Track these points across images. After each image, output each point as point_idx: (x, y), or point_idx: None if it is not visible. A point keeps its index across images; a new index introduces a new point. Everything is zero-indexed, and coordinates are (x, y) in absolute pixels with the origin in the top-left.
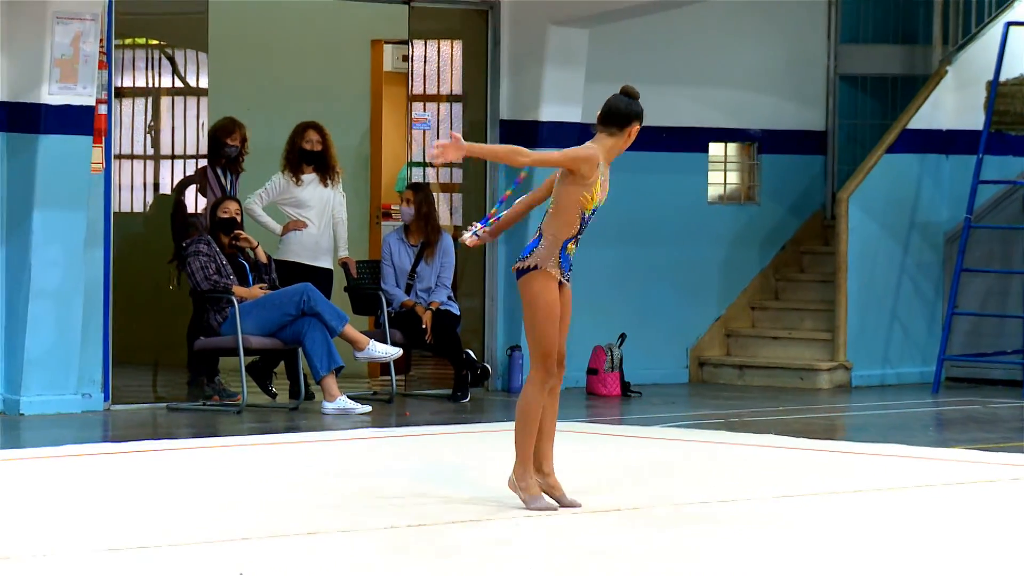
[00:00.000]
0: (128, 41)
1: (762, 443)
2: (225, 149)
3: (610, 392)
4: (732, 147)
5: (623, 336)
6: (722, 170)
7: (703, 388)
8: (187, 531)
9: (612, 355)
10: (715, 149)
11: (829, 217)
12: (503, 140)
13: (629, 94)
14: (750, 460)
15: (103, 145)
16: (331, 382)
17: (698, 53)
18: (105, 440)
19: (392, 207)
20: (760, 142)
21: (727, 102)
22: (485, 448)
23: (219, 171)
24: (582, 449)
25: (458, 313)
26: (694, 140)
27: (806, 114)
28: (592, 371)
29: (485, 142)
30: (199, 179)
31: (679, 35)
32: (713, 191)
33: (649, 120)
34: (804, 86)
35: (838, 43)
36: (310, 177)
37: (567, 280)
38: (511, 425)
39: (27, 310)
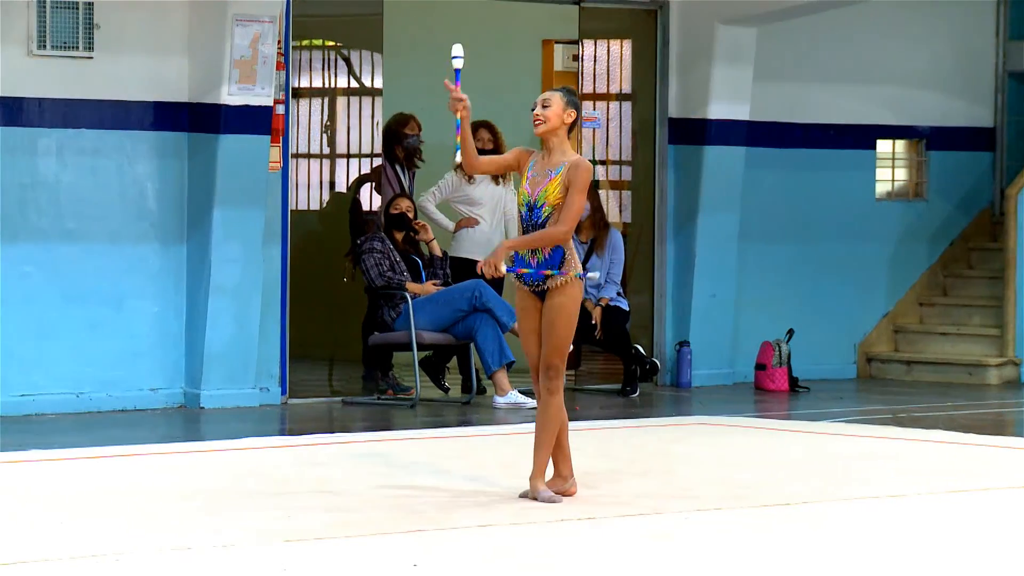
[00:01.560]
0: (305, 42)
1: (930, 438)
2: (406, 141)
3: (778, 387)
4: (900, 144)
5: (791, 332)
6: (890, 167)
7: (871, 384)
8: (362, 523)
9: (780, 351)
10: (883, 146)
11: (998, 214)
12: (671, 137)
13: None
14: (918, 456)
15: (280, 144)
16: (502, 377)
17: (866, 50)
18: (282, 433)
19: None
20: (928, 139)
21: (895, 99)
22: (653, 441)
23: (397, 168)
24: (751, 444)
25: (627, 309)
26: (862, 137)
27: (974, 111)
28: (760, 366)
29: (655, 140)
30: (375, 176)
31: (847, 33)
32: (881, 188)
33: (817, 117)
34: (972, 83)
35: (1007, 40)
36: (482, 176)
37: (532, 285)
38: (679, 420)
39: (207, 306)
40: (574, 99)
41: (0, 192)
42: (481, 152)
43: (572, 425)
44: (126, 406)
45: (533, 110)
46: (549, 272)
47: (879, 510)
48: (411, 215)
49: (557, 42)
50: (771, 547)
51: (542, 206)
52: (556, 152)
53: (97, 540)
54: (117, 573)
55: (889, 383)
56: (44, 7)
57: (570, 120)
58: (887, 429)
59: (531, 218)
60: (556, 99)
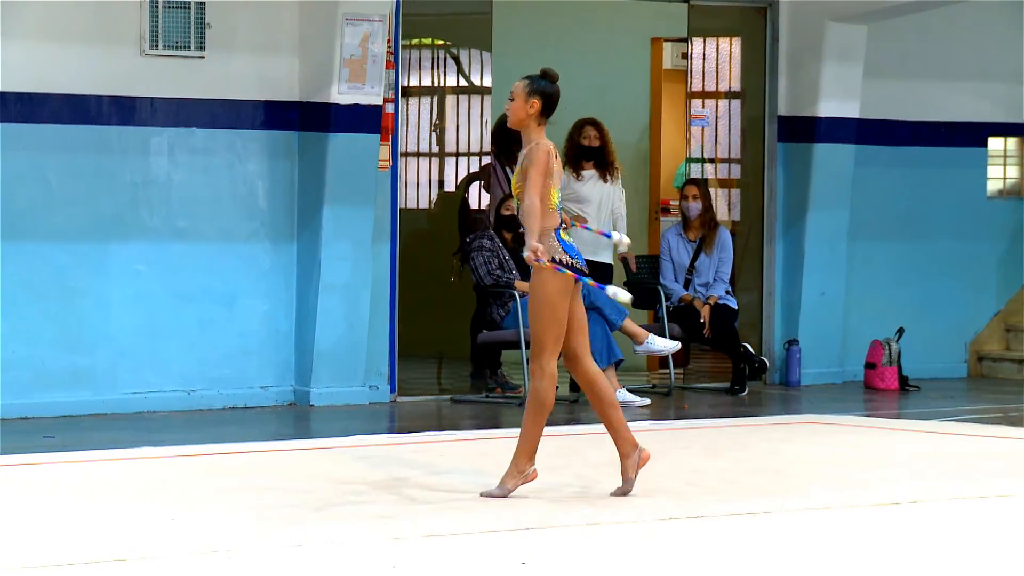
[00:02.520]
0: (414, 41)
1: None
2: (509, 141)
3: (888, 386)
4: (1012, 141)
5: (901, 330)
6: (1002, 164)
7: (982, 382)
8: (470, 521)
9: (890, 349)
10: (994, 143)
11: None
12: (780, 135)
13: (544, 73)
14: None
15: (390, 143)
16: (611, 375)
17: (977, 47)
18: (391, 431)
19: (670, 203)
20: None
21: (1006, 96)
22: (762, 440)
23: (506, 168)
24: (861, 442)
25: (736, 307)
26: (973, 134)
27: None
28: (870, 365)
29: (764, 138)
30: (484, 175)
31: (957, 29)
32: (992, 185)
33: (927, 115)
34: None
35: None
36: (589, 173)
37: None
38: (789, 418)
39: (317, 304)
40: (539, 86)
41: (113, 191)
42: (587, 149)
43: (681, 423)
44: (236, 404)
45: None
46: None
47: (990, 510)
48: None
49: (666, 40)
50: (883, 547)
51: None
52: (524, 142)
53: (209, 537)
54: (229, 569)
55: (1000, 382)
56: (156, 7)
57: (533, 111)
58: (998, 428)
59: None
60: (519, 90)
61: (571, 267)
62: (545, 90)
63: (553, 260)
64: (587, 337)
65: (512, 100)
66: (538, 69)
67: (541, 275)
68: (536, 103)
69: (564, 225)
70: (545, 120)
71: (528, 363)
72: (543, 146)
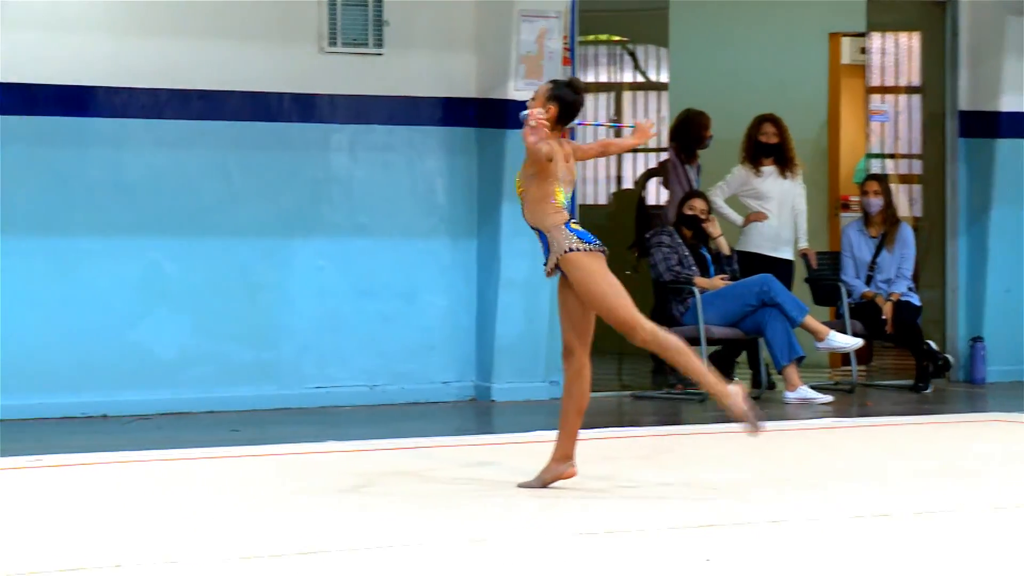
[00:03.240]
0: (591, 37)
1: None
2: (706, 141)
3: None
4: None
5: None
6: None
7: None
8: (654, 516)
9: None
10: None
11: None
12: (962, 130)
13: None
14: None
15: (567, 138)
16: (792, 372)
17: None
18: None
19: (850, 198)
20: None
21: None
22: (944, 438)
23: (686, 165)
24: None
25: (918, 304)
26: None
27: None
28: None
29: (944, 133)
30: (662, 171)
31: None
32: None
33: None
34: None
35: None
36: (769, 169)
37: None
38: (974, 416)
39: (497, 299)
40: (561, 92)
41: (295, 187)
42: (766, 146)
43: (865, 420)
44: (418, 399)
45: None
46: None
47: None
48: (704, 216)
49: (844, 35)
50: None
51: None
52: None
53: (393, 530)
54: (413, 562)
55: None
56: (335, 5)
57: (549, 115)
58: None
59: None
60: (540, 93)
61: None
62: (565, 97)
63: (570, 250)
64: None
65: (532, 100)
66: (715, 65)
67: (577, 265)
68: (553, 108)
69: (574, 219)
70: (561, 127)
71: (704, 360)
72: (547, 146)
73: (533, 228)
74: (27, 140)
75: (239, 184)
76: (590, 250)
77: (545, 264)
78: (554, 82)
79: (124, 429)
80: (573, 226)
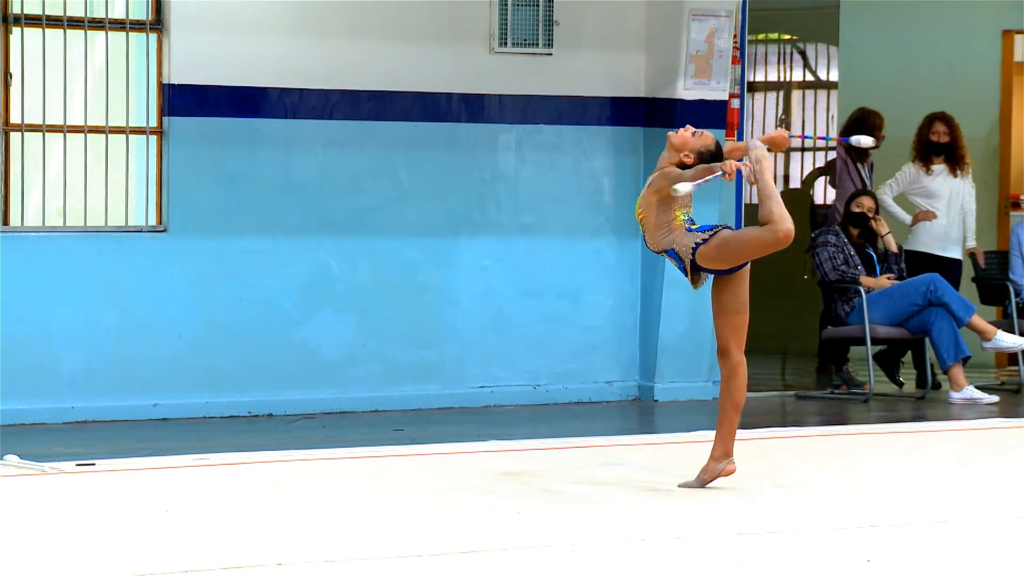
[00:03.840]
0: (760, 37)
1: None
2: (879, 140)
3: None
4: None
5: None
6: None
7: None
8: (814, 516)
9: None
10: None
11: None
12: None
13: None
14: None
15: (735, 138)
16: (958, 371)
17: None
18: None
19: (1020, 197)
20: None
21: None
22: None
23: (857, 163)
24: None
25: None
26: None
27: None
28: None
29: None
30: (829, 170)
31: None
32: None
33: None
34: None
35: None
36: (939, 168)
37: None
38: None
39: (661, 299)
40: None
41: (462, 187)
42: (937, 145)
43: None
44: (581, 399)
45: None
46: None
47: None
48: (872, 214)
49: (1017, 32)
50: None
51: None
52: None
53: (552, 529)
54: (573, 562)
55: None
56: (506, 5)
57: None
58: None
59: None
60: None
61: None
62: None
63: (698, 244)
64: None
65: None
66: (886, 64)
67: (711, 245)
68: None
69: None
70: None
71: (870, 359)
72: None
73: (658, 253)
74: (198, 141)
75: (406, 184)
76: (716, 230)
77: (688, 277)
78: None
79: (288, 428)
80: (692, 227)
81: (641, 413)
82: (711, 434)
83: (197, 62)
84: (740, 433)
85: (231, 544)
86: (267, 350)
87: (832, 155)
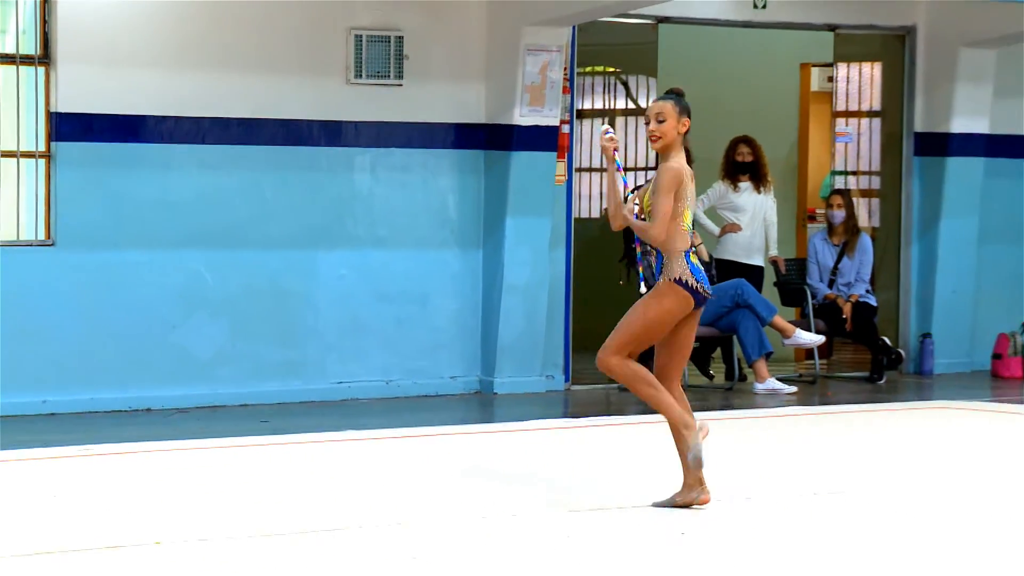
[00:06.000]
0: (588, 69)
1: None
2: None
3: (1012, 375)
4: None
5: None
6: None
7: None
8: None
9: (1015, 341)
10: None
11: None
12: (916, 150)
13: (676, 92)
14: None
15: (565, 159)
16: (762, 365)
17: None
18: (564, 416)
19: (816, 211)
20: None
21: None
22: (896, 424)
23: None
24: (987, 427)
25: (875, 304)
26: None
27: None
28: (997, 356)
29: (901, 152)
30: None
31: None
32: None
33: None
34: None
35: None
36: (745, 185)
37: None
38: (923, 404)
39: (500, 303)
40: (685, 104)
41: (321, 204)
42: (742, 164)
43: (826, 408)
44: (429, 392)
45: (647, 124)
46: (652, 282)
47: None
48: None
49: (813, 65)
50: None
51: (644, 215)
52: (664, 159)
53: (402, 509)
54: (424, 537)
55: None
56: (361, 41)
57: (684, 129)
58: None
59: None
60: (669, 111)
61: (694, 291)
62: (689, 108)
63: (678, 280)
64: (684, 364)
65: (662, 122)
66: (698, 92)
67: (666, 293)
68: (687, 122)
69: (694, 247)
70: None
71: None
72: (674, 167)
73: (652, 247)
74: (83, 163)
75: (272, 202)
76: (695, 289)
77: (645, 281)
78: (672, 98)
79: (165, 421)
80: (692, 259)
81: (482, 405)
82: (545, 423)
83: (82, 92)
84: (568, 422)
85: (114, 525)
86: (146, 351)
87: (652, 174)
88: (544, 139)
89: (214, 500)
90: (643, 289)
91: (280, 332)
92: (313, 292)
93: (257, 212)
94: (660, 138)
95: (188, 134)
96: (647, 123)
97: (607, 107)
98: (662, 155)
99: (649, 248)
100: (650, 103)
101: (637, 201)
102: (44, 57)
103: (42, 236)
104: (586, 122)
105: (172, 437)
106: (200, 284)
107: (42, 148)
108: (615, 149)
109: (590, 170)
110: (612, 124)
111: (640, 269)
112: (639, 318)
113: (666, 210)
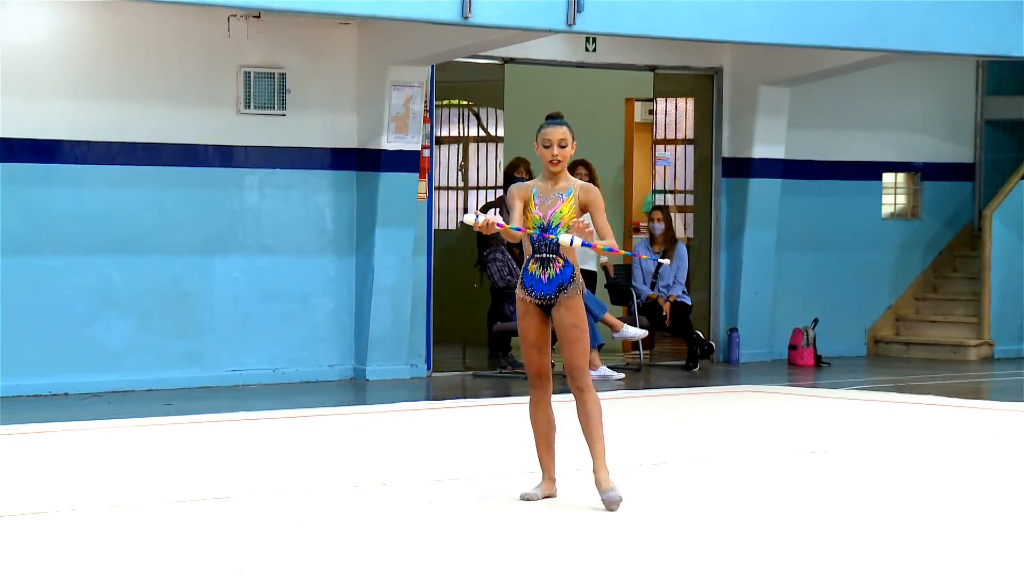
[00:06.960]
0: (445, 102)
1: (923, 402)
2: (515, 181)
3: (805, 363)
4: (901, 176)
5: (816, 320)
6: (893, 193)
7: (877, 360)
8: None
9: (808, 334)
10: (888, 178)
11: (976, 229)
12: (724, 172)
13: (559, 116)
14: (913, 416)
15: (426, 179)
16: (594, 355)
17: (875, 103)
18: (428, 399)
19: (640, 224)
20: (923, 172)
21: (897, 141)
22: (709, 405)
23: None
24: (782, 406)
25: (690, 303)
26: (871, 171)
27: (958, 150)
28: (792, 347)
29: (711, 174)
30: (498, 204)
31: (860, 90)
32: (886, 209)
33: (837, 156)
34: (957, 128)
35: (984, 95)
36: None
37: (541, 299)
38: (731, 388)
39: (371, 302)
40: (572, 130)
41: (216, 217)
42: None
43: (650, 392)
44: (310, 379)
45: (548, 147)
46: (561, 287)
47: (885, 458)
48: None
49: (637, 100)
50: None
51: (557, 225)
52: (562, 179)
53: (289, 481)
54: (308, 504)
55: (892, 359)
56: (249, 77)
57: (573, 151)
58: (890, 395)
59: (543, 238)
60: (570, 138)
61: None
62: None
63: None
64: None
65: (564, 147)
66: (538, 122)
67: (579, 298)
68: (575, 144)
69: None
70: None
71: None
72: (596, 188)
73: (564, 258)
74: (5, 182)
75: (173, 215)
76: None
77: (564, 290)
78: (566, 123)
79: (80, 404)
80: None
81: (356, 389)
82: (411, 405)
83: (3, 119)
84: (430, 404)
85: (36, 495)
86: (64, 343)
87: (500, 192)
88: (408, 162)
89: (125, 472)
90: (521, 293)
91: (181, 327)
92: (209, 292)
93: (160, 223)
94: (561, 162)
95: (100, 156)
96: (547, 146)
97: (462, 134)
98: (558, 176)
99: (556, 257)
100: (548, 129)
101: (540, 214)
102: None
103: None
104: (444, 147)
105: (87, 418)
106: (111, 285)
107: None
108: (591, 233)
109: (447, 188)
110: (466, 153)
111: (495, 273)
112: (582, 331)
113: (605, 223)
